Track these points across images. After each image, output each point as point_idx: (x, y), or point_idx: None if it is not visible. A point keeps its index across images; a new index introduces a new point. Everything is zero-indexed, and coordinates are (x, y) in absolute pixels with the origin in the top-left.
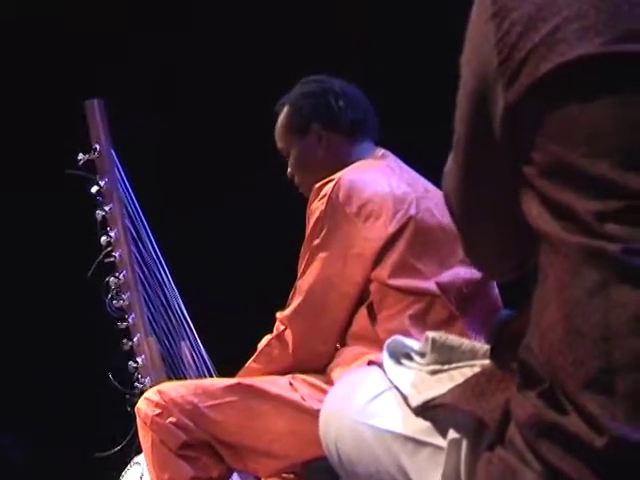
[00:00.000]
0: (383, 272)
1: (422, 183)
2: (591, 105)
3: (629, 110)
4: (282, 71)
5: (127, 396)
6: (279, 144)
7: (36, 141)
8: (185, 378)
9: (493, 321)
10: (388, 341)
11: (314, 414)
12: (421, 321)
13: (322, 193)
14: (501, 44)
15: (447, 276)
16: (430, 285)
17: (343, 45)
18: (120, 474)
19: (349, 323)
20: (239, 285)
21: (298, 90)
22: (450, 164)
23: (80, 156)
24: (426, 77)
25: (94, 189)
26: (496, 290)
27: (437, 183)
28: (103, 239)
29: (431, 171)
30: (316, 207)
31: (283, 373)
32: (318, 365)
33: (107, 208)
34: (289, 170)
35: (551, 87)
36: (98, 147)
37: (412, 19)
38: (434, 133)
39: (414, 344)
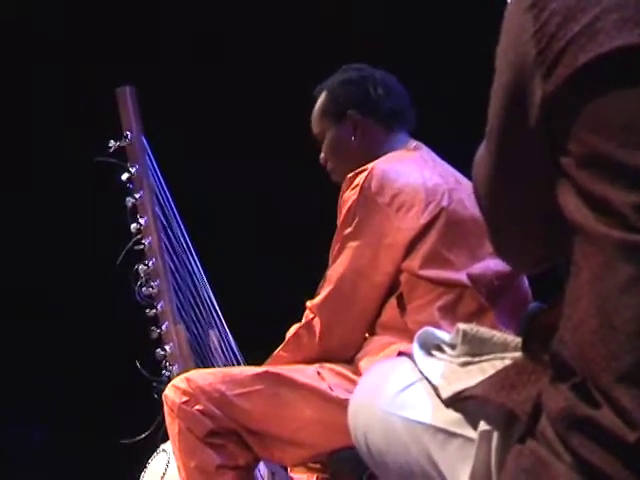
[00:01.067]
0: (414, 263)
1: (454, 175)
2: (629, 96)
3: None
4: (316, 58)
5: (154, 384)
6: (314, 129)
7: (68, 128)
8: (213, 366)
9: (523, 314)
10: (419, 332)
11: (341, 403)
12: (450, 312)
13: (355, 183)
14: (539, 34)
15: (478, 268)
16: (461, 276)
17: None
18: (147, 461)
19: (378, 313)
20: (269, 274)
21: (337, 77)
22: (481, 154)
23: (111, 143)
24: (458, 70)
25: (125, 176)
26: (526, 283)
27: (468, 175)
28: (133, 226)
29: (462, 163)
30: (348, 196)
31: (311, 362)
32: (346, 354)
33: (137, 195)
34: (322, 155)
35: (590, 77)
36: (129, 134)
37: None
38: (466, 125)
39: (445, 336)
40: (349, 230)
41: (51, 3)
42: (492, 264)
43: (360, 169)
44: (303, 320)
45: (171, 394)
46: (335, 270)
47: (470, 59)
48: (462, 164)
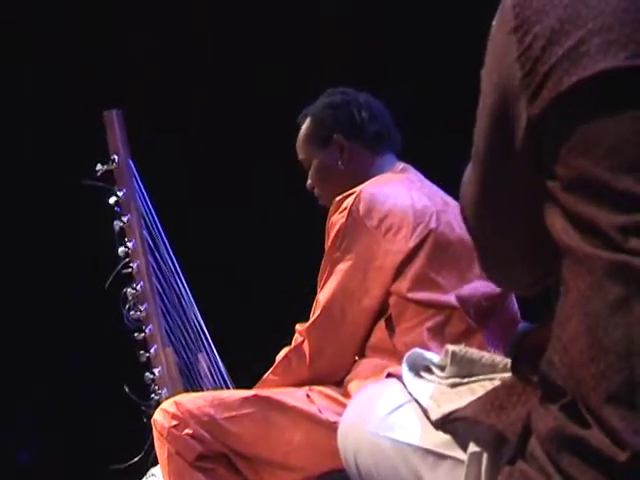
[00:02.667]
0: (403, 285)
1: (441, 196)
2: (615, 119)
3: None
4: (301, 82)
5: (143, 408)
6: (300, 155)
7: (55, 151)
8: (202, 390)
9: (512, 335)
10: (408, 354)
11: (331, 426)
12: (439, 334)
13: (343, 206)
14: (524, 58)
15: (466, 289)
16: (449, 298)
17: (359, 58)
18: None
19: (367, 335)
20: (256, 297)
21: (322, 101)
22: (468, 176)
23: (98, 167)
24: (445, 89)
25: (112, 200)
26: (515, 304)
27: (456, 195)
28: (121, 250)
29: (450, 183)
30: (337, 220)
31: (300, 385)
32: (335, 377)
33: (125, 219)
34: (309, 182)
35: (575, 101)
36: (116, 158)
37: (431, 29)
38: (452, 145)
39: (434, 357)
40: (338, 254)
41: (39, 24)
42: (480, 286)
43: (348, 192)
44: (293, 343)
45: (160, 418)
46: (324, 294)
47: (456, 80)
48: (450, 185)
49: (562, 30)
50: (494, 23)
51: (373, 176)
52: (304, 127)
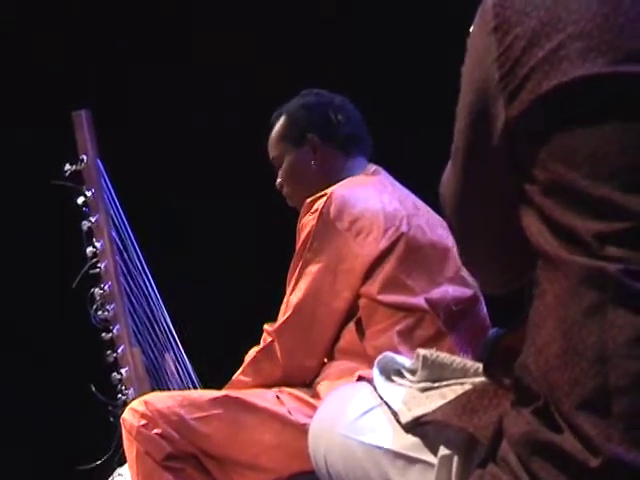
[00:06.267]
0: (373, 288)
1: (412, 200)
2: (594, 126)
3: (631, 132)
4: (270, 83)
5: (110, 407)
6: (272, 153)
7: (22, 151)
8: (169, 389)
9: (483, 339)
10: (379, 358)
11: (300, 428)
12: (409, 337)
13: (314, 208)
14: (503, 58)
15: (436, 293)
16: (419, 301)
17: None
18: None
19: (337, 338)
20: (224, 296)
21: (297, 101)
22: (447, 173)
23: (67, 167)
24: (422, 85)
25: (80, 200)
26: (485, 309)
27: (430, 197)
28: (89, 250)
29: (421, 186)
30: (307, 222)
31: (270, 386)
32: (305, 379)
33: (93, 219)
34: (279, 180)
35: (553, 105)
36: (85, 158)
37: (402, 31)
38: (423, 148)
39: (405, 361)
40: (308, 255)
41: (10, 24)
42: (451, 290)
43: (319, 194)
44: (262, 344)
45: (129, 417)
46: (296, 295)
47: (433, 79)
48: (421, 188)
49: (542, 32)
50: (474, 22)
51: (345, 178)
52: (278, 125)
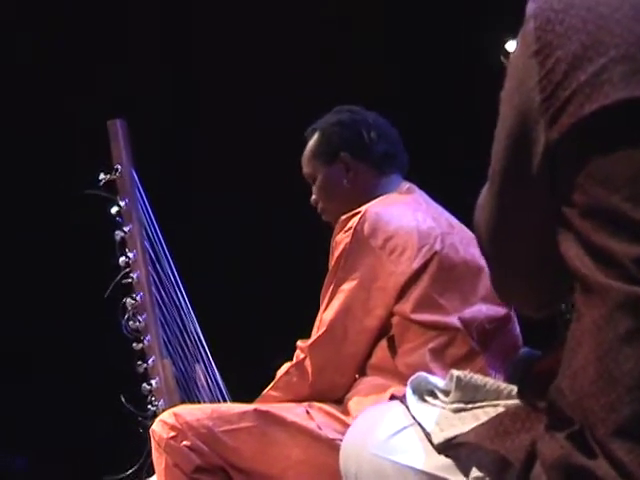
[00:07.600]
0: (406, 306)
1: (447, 218)
2: (634, 149)
3: None
4: (306, 97)
5: (140, 418)
6: (305, 169)
7: (58, 161)
8: (199, 402)
9: (513, 359)
10: (412, 377)
11: (329, 443)
12: (441, 355)
13: (348, 225)
14: (545, 81)
15: (469, 312)
16: (452, 320)
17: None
18: None
19: (369, 354)
20: (257, 311)
21: (330, 118)
22: (484, 197)
23: (101, 176)
24: (458, 110)
25: (114, 209)
26: (517, 328)
27: (463, 218)
28: (121, 260)
29: (454, 205)
30: (341, 239)
31: (301, 401)
32: (335, 395)
33: (126, 229)
34: (313, 197)
35: (594, 128)
36: (119, 167)
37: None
38: (457, 167)
39: (438, 381)
40: (342, 273)
41: (43, 32)
42: (484, 308)
43: (353, 212)
44: (294, 360)
45: (159, 429)
46: (328, 313)
47: (471, 105)
48: (458, 207)
49: (585, 56)
50: (516, 46)
51: (379, 196)
52: (311, 142)
